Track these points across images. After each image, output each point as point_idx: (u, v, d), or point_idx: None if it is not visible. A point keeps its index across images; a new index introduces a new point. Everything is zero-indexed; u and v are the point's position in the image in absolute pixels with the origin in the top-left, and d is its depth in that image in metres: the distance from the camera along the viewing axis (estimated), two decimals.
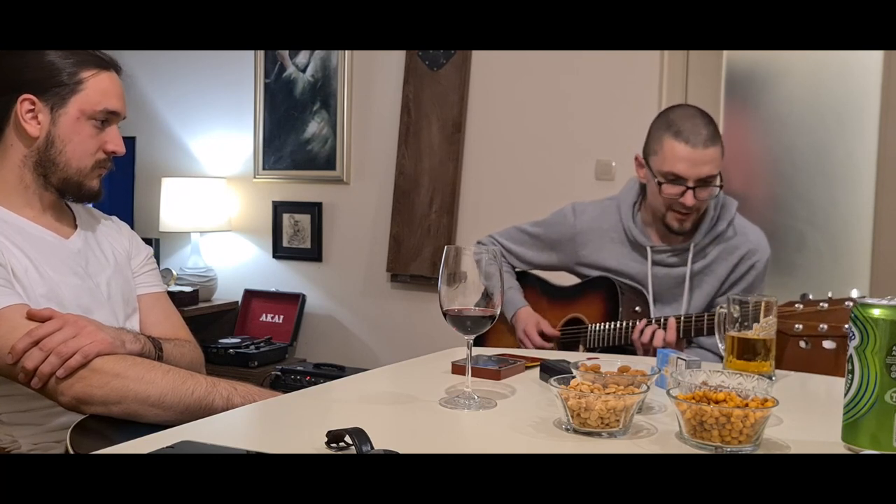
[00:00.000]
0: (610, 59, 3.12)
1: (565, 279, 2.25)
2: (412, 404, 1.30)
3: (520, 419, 1.21)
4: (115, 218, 1.70)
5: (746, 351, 1.39)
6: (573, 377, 1.20)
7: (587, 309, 2.12)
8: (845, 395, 1.07)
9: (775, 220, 3.08)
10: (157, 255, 1.73)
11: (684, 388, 1.14)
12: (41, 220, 1.50)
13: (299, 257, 3.84)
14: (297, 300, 3.80)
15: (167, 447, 0.97)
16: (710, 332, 1.86)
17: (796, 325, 1.53)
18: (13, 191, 1.48)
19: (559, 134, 3.26)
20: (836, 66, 3.03)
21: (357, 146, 3.69)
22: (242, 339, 3.69)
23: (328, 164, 3.73)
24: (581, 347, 2.09)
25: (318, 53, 3.73)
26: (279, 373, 3.41)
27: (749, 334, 1.39)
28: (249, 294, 3.92)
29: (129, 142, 3.77)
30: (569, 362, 1.35)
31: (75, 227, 1.56)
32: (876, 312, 1.03)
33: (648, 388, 1.18)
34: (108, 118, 1.50)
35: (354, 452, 0.98)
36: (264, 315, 3.88)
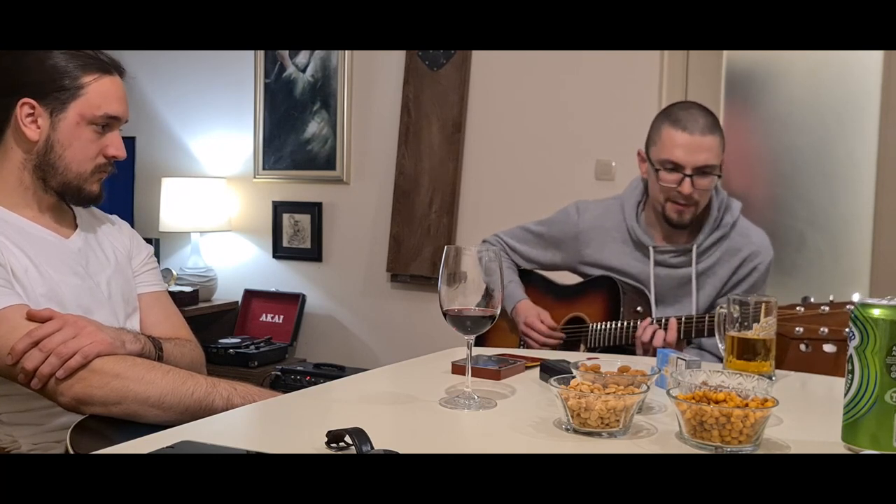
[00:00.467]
0: (610, 59, 3.12)
1: (568, 278, 2.25)
2: (412, 404, 1.30)
3: (520, 419, 1.21)
4: (115, 217, 1.70)
5: (746, 351, 1.39)
6: (573, 377, 1.20)
7: (589, 308, 2.12)
8: (845, 395, 1.07)
9: (775, 221, 3.08)
10: (157, 255, 1.73)
11: (684, 388, 1.14)
12: (41, 220, 1.50)
13: (299, 257, 3.84)
14: (297, 300, 3.80)
15: (167, 447, 0.97)
16: (711, 333, 1.86)
17: (797, 329, 1.53)
18: (13, 191, 1.48)
19: (559, 134, 3.26)
20: (836, 66, 3.03)
21: (357, 146, 3.69)
22: (242, 339, 3.69)
23: (328, 164, 3.73)
24: (582, 347, 2.09)
25: (318, 53, 3.73)
26: (279, 373, 3.41)
27: (749, 334, 1.39)
28: (249, 294, 3.92)
29: (129, 142, 3.77)
30: (569, 362, 1.35)
31: (75, 226, 1.56)
32: (876, 312, 1.03)
33: (648, 388, 1.18)
34: (108, 123, 1.49)
35: (354, 452, 0.98)
36: (264, 315, 3.88)
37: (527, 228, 2.27)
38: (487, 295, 1.23)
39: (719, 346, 1.46)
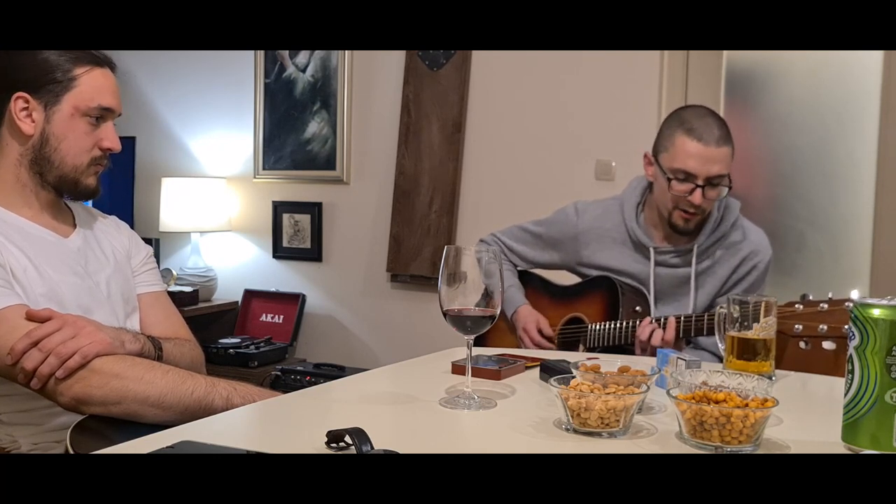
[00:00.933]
0: (610, 59, 3.12)
1: (566, 278, 2.25)
2: (412, 404, 1.30)
3: (520, 419, 1.21)
4: (114, 217, 1.70)
5: (746, 351, 1.39)
6: (573, 377, 1.20)
7: (588, 308, 2.12)
8: (845, 395, 1.07)
9: (775, 221, 3.08)
10: (157, 255, 1.73)
11: (684, 388, 1.14)
12: (40, 220, 1.50)
13: (299, 257, 3.84)
14: (297, 300, 3.80)
15: (167, 447, 0.97)
16: (709, 332, 1.87)
17: (796, 326, 1.53)
18: (11, 190, 1.48)
19: (559, 134, 3.26)
20: (836, 66, 3.03)
21: (357, 146, 3.69)
22: (242, 339, 3.69)
23: (328, 164, 3.73)
24: (581, 347, 2.09)
25: (318, 53, 3.73)
26: (279, 373, 3.41)
27: (749, 334, 1.39)
28: (249, 294, 3.92)
29: (129, 142, 3.77)
30: (569, 362, 1.35)
31: (74, 226, 1.56)
32: (876, 312, 1.03)
33: (648, 388, 1.18)
34: (102, 115, 1.49)
35: (354, 452, 0.98)
36: (264, 315, 3.88)
37: (525, 228, 2.26)
38: (487, 295, 1.23)
39: (719, 345, 1.46)
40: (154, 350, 1.45)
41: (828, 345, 1.52)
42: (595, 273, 2.13)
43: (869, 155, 2.97)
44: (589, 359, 1.30)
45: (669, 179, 1.96)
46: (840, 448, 1.08)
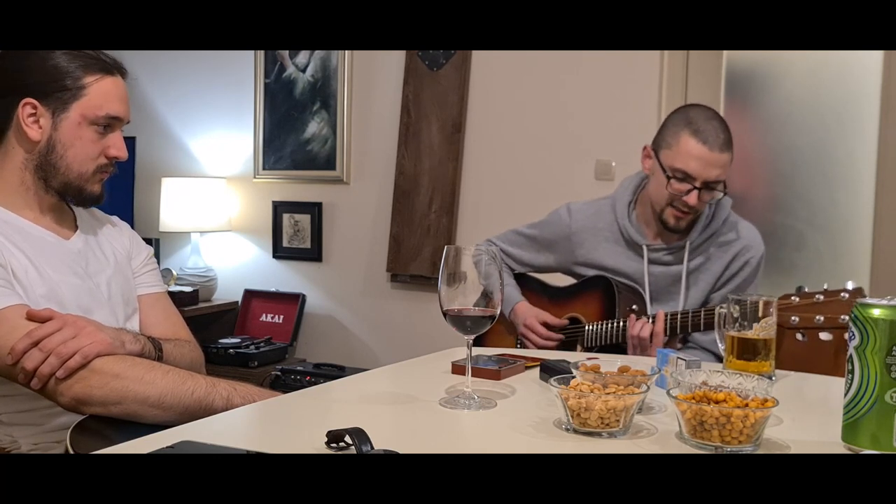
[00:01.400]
0: (610, 59, 3.12)
1: (562, 280, 2.25)
2: (412, 404, 1.30)
3: (520, 419, 1.21)
4: (115, 218, 1.70)
5: (746, 351, 1.39)
6: (573, 377, 1.20)
7: (584, 308, 2.13)
8: (845, 395, 1.07)
9: (775, 220, 3.08)
10: (157, 255, 1.73)
11: (684, 388, 1.14)
12: (42, 221, 1.50)
13: (299, 257, 3.84)
14: (297, 300, 3.80)
15: (167, 447, 0.97)
16: (706, 328, 1.87)
17: (793, 318, 1.54)
18: (14, 192, 1.48)
19: (559, 134, 3.26)
20: (836, 66, 3.03)
21: (357, 146, 3.69)
22: (242, 339, 3.69)
23: (328, 164, 3.73)
24: (579, 347, 2.09)
25: (318, 53, 3.73)
26: (279, 373, 3.41)
27: (749, 334, 1.39)
28: (249, 294, 3.92)
29: (129, 142, 3.72)
30: (569, 362, 1.35)
31: (76, 227, 1.56)
32: (876, 312, 1.03)
33: (648, 388, 1.18)
34: (110, 123, 1.49)
35: (354, 452, 0.98)
36: (264, 315, 3.88)
37: (519, 232, 2.27)
38: (487, 295, 1.23)
39: (719, 345, 1.46)
40: (154, 350, 1.45)
41: (825, 336, 1.52)
42: (591, 272, 2.14)
43: (869, 155, 2.97)
44: (589, 359, 1.30)
45: (669, 177, 1.96)
46: (840, 448, 1.08)
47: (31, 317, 1.34)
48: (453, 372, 1.46)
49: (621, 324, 1.99)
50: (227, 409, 1.32)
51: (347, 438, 1.01)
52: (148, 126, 4.02)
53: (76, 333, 1.32)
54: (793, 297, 1.57)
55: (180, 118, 4.05)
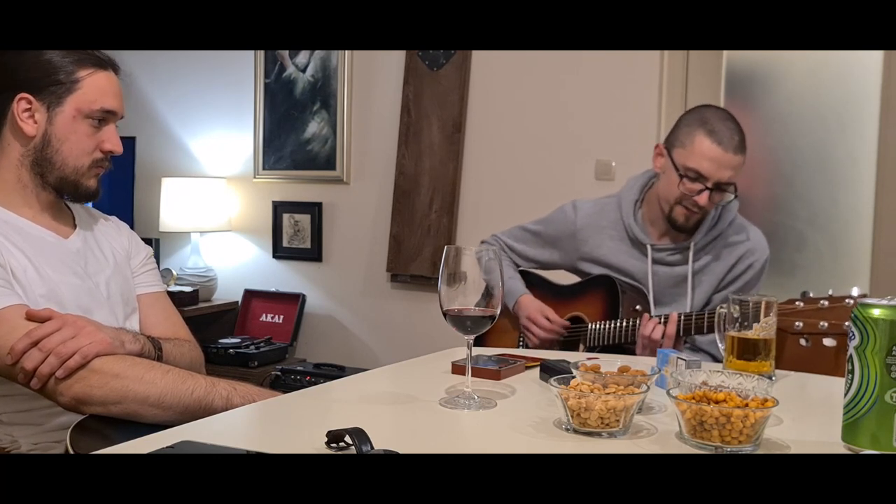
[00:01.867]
0: (610, 59, 3.12)
1: (566, 278, 2.25)
2: (412, 404, 1.30)
3: (520, 419, 1.21)
4: (114, 218, 1.70)
5: (746, 351, 1.39)
6: (573, 377, 1.20)
7: (588, 307, 2.13)
8: (845, 395, 1.07)
9: (775, 220, 3.08)
10: (157, 255, 1.73)
11: (684, 388, 1.14)
12: (40, 220, 1.50)
13: (299, 257, 3.84)
14: (297, 300, 3.80)
15: (167, 447, 0.97)
16: (709, 331, 1.87)
17: (796, 323, 1.54)
18: (12, 190, 1.48)
19: (559, 134, 3.26)
20: (836, 66, 3.03)
21: (357, 146, 3.69)
22: (242, 339, 3.69)
23: (328, 164, 3.73)
24: (581, 346, 2.09)
25: (318, 53, 3.73)
26: (279, 373, 3.41)
27: (749, 334, 1.39)
28: (249, 294, 3.92)
29: (129, 142, 3.77)
30: (569, 362, 1.35)
31: (74, 226, 1.56)
32: (876, 312, 1.03)
33: (648, 388, 1.18)
34: (105, 117, 1.50)
35: (354, 452, 0.98)
36: (264, 315, 3.88)
37: (524, 228, 2.28)
38: (487, 295, 1.23)
39: (719, 345, 1.46)
40: (154, 350, 1.45)
41: (828, 342, 1.52)
42: (595, 269, 2.13)
43: (869, 155, 2.97)
44: (589, 359, 1.30)
45: (681, 176, 1.95)
46: (840, 448, 1.08)
47: (31, 317, 1.34)
48: (453, 372, 1.46)
49: (625, 323, 1.99)
50: (226, 409, 1.32)
51: (347, 438, 1.01)
52: (148, 126, 4.02)
53: (76, 333, 1.32)
54: (797, 303, 1.57)
55: (180, 118, 4.05)
